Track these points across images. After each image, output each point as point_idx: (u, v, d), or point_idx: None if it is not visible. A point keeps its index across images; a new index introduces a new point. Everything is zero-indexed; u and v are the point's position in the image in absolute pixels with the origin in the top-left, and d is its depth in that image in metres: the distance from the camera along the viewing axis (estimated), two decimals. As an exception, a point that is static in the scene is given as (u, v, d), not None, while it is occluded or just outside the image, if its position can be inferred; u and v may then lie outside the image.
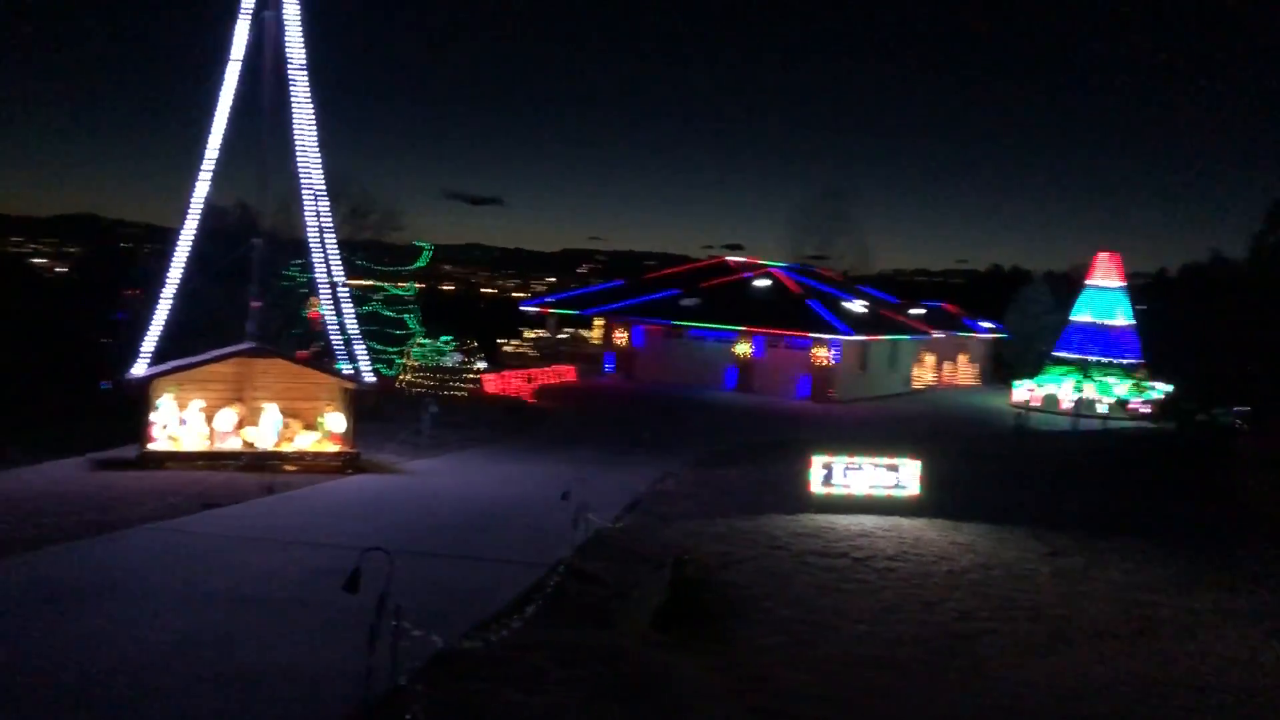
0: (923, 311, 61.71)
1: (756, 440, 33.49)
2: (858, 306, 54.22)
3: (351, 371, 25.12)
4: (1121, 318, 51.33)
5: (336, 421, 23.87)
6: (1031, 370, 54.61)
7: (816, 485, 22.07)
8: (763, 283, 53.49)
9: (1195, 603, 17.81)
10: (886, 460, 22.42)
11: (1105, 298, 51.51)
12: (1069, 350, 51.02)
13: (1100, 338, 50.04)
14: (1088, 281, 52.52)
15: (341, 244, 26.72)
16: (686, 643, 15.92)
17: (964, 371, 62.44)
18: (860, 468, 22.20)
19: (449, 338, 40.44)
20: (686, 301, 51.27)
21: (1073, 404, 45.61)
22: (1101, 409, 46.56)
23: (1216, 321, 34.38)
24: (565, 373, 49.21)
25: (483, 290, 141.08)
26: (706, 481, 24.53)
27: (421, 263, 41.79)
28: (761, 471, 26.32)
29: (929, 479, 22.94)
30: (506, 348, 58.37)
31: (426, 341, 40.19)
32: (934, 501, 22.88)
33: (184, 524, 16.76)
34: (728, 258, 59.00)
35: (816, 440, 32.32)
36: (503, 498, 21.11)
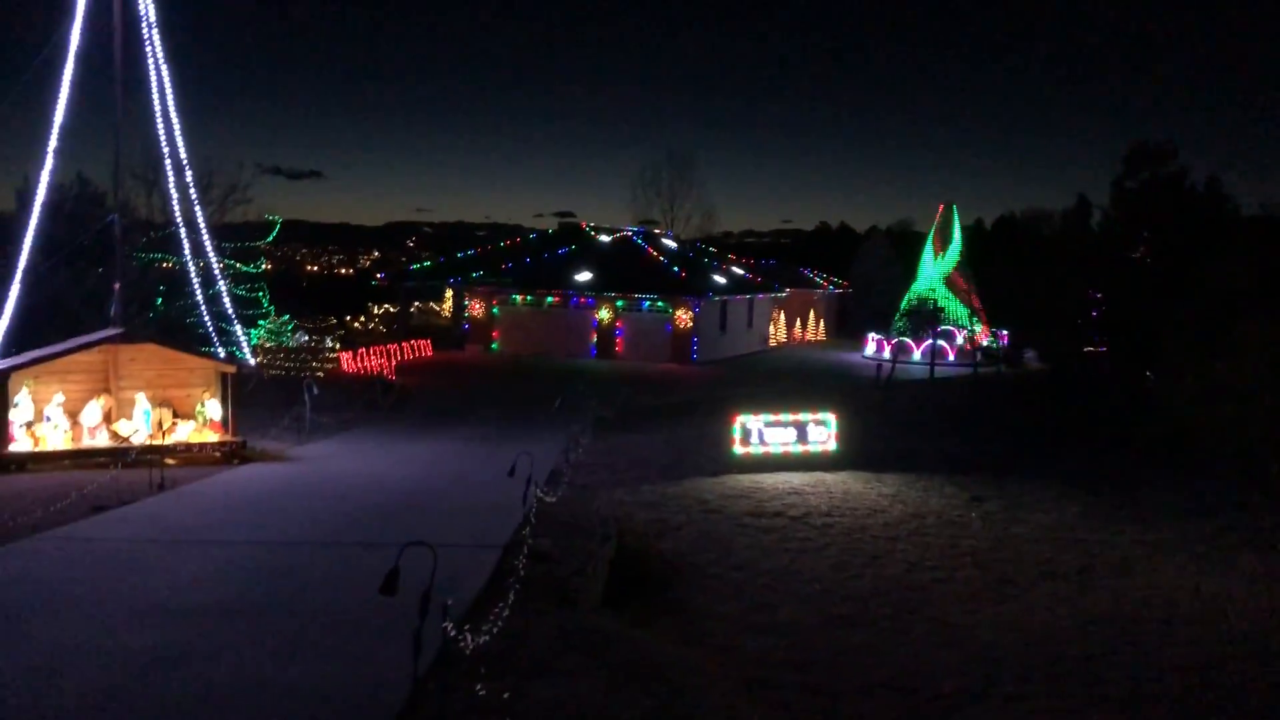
0: (769, 270, 62.58)
1: (642, 404, 33.10)
2: (711, 268, 54.41)
3: (226, 354, 23.40)
4: (960, 267, 53.13)
5: (216, 409, 22.20)
6: (879, 322, 55.98)
7: (739, 444, 21.78)
8: (618, 248, 52.97)
9: (1120, 538, 18.39)
10: (806, 415, 22.32)
11: (947, 248, 53.17)
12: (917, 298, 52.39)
13: (947, 287, 51.61)
14: (929, 233, 54.07)
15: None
16: (646, 616, 15.39)
17: (814, 327, 63.71)
18: (780, 425, 22.03)
19: (287, 316, 38.78)
20: (543, 268, 50.31)
21: (926, 352, 46.90)
22: (951, 356, 48.13)
23: (1057, 270, 35.92)
24: (422, 347, 47.66)
25: (307, 267, 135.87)
26: (615, 449, 23.95)
27: (271, 237, 39.46)
28: (665, 435, 25.92)
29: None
30: (355, 324, 56.22)
31: (264, 322, 38.17)
32: (845, 454, 22.97)
33: (80, 530, 15.06)
34: (585, 224, 58.10)
35: (701, 401, 32.24)
36: (413, 479, 20.00)
